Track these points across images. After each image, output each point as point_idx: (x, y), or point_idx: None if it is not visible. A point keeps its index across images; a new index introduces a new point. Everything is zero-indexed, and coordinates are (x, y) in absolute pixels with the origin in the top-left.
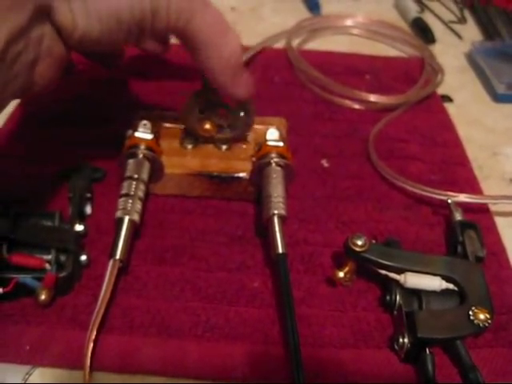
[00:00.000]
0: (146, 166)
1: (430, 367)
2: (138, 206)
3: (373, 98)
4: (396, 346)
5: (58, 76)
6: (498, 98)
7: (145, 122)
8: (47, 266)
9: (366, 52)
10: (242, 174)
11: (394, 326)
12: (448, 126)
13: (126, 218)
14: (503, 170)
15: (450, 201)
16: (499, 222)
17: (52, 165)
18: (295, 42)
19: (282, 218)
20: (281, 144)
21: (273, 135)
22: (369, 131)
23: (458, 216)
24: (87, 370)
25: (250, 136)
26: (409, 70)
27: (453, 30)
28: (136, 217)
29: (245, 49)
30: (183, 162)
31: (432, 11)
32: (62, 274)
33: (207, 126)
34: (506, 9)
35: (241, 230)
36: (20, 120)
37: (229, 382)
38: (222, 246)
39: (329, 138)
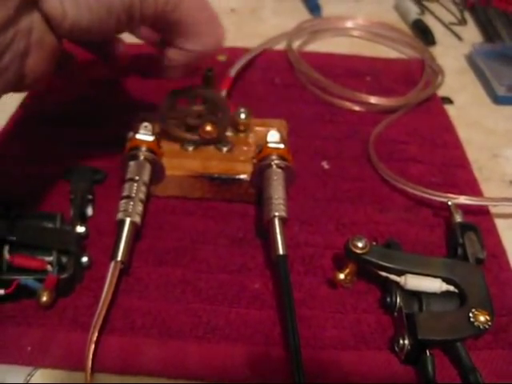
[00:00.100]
0: (147, 167)
1: (430, 369)
2: (139, 207)
3: (373, 99)
4: (396, 348)
5: (50, 69)
6: (498, 99)
7: (146, 123)
8: (48, 267)
9: (366, 54)
10: (242, 176)
11: (395, 327)
12: (448, 127)
13: (128, 220)
14: (503, 172)
15: (450, 203)
16: (499, 223)
17: (53, 166)
18: (296, 44)
19: (282, 220)
20: (281, 146)
21: (274, 137)
22: (369, 133)
23: (459, 218)
24: (88, 371)
25: (251, 138)
26: (409, 72)
27: (453, 32)
28: (137, 218)
29: (245, 50)
30: (184, 163)
31: (432, 13)
32: (64, 276)
33: (208, 128)
34: (506, 10)
35: (241, 231)
36: (21, 121)
37: (229, 383)
38: (223, 247)
39: (329, 140)
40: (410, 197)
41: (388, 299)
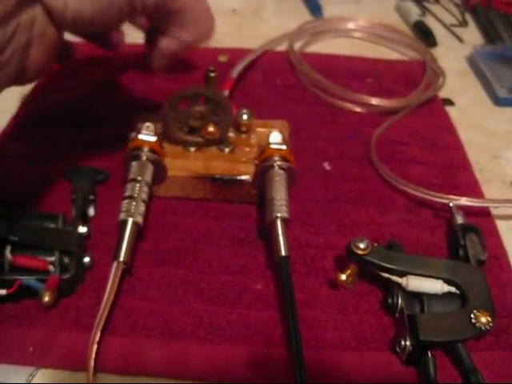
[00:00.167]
0: (150, 168)
1: (431, 370)
2: (142, 208)
3: (374, 101)
4: (398, 349)
5: (51, 60)
6: (499, 101)
7: (148, 124)
8: (51, 267)
9: (367, 55)
10: (244, 177)
11: (396, 328)
12: (449, 129)
13: (130, 220)
14: (504, 174)
15: (451, 204)
16: (500, 225)
17: (55, 166)
18: (297, 45)
19: (284, 221)
20: (284, 147)
21: (276, 138)
22: (370, 134)
23: (460, 219)
24: (91, 371)
25: (253, 139)
26: (410, 74)
27: (454, 34)
28: (139, 219)
29: (246, 51)
30: (186, 164)
31: (433, 14)
32: (66, 276)
33: (210, 129)
34: (507, 12)
35: (243, 232)
36: (23, 121)
37: None
38: (225, 248)
39: (331, 141)
40: (411, 198)
41: (389, 300)
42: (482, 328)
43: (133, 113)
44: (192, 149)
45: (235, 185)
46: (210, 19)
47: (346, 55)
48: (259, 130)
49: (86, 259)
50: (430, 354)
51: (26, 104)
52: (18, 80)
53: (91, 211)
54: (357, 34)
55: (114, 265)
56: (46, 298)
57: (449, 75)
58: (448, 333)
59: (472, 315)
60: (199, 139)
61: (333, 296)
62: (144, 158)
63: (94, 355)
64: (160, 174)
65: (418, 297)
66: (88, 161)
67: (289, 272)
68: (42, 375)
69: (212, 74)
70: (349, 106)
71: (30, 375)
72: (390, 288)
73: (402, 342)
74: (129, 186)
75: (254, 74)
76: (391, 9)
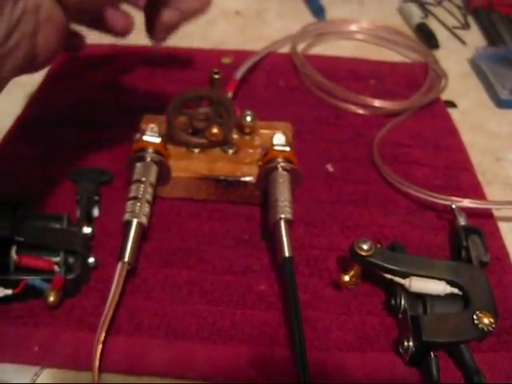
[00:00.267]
0: (154, 169)
1: (434, 370)
2: (146, 208)
3: (377, 103)
4: (401, 350)
5: (59, 46)
6: (501, 103)
7: (152, 125)
8: (56, 267)
9: (370, 57)
10: (248, 178)
11: (399, 329)
12: (452, 131)
13: (135, 221)
14: (507, 175)
15: (454, 206)
16: (503, 227)
17: (59, 167)
18: (300, 47)
19: (288, 222)
20: (287, 149)
21: (279, 140)
22: (373, 136)
23: (462, 221)
24: (96, 371)
25: (257, 140)
26: (413, 76)
27: (456, 36)
28: (144, 220)
29: (250, 53)
30: (190, 165)
31: (436, 17)
32: (71, 276)
33: (214, 130)
34: (509, 14)
35: (247, 233)
36: (28, 122)
37: None
38: (229, 249)
39: (333, 143)
40: (414, 200)
41: (392, 301)
42: (485, 329)
43: (137, 114)
44: (196, 150)
45: (239, 186)
46: None
47: (349, 57)
48: (263, 131)
49: (91, 259)
50: (432, 355)
51: (31, 105)
52: (29, 67)
53: (96, 212)
54: (359, 36)
55: (119, 265)
56: (51, 298)
57: (451, 77)
58: (451, 334)
59: (475, 316)
60: (203, 141)
61: (336, 297)
62: (148, 159)
63: (98, 355)
64: (164, 175)
65: (421, 298)
66: (92, 162)
67: (292, 273)
68: (47, 375)
69: (216, 76)
70: (352, 107)
71: (35, 375)
72: (393, 289)
73: (405, 343)
74: (133, 186)
75: (258, 75)
76: (394, 11)
